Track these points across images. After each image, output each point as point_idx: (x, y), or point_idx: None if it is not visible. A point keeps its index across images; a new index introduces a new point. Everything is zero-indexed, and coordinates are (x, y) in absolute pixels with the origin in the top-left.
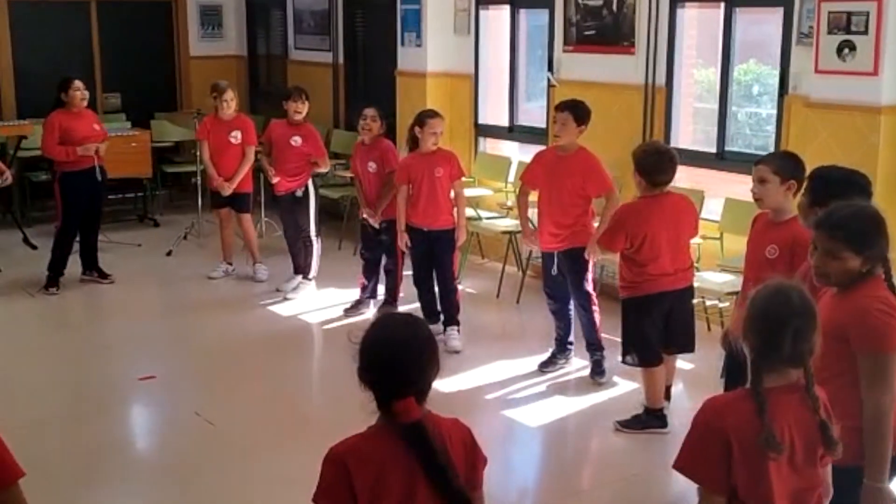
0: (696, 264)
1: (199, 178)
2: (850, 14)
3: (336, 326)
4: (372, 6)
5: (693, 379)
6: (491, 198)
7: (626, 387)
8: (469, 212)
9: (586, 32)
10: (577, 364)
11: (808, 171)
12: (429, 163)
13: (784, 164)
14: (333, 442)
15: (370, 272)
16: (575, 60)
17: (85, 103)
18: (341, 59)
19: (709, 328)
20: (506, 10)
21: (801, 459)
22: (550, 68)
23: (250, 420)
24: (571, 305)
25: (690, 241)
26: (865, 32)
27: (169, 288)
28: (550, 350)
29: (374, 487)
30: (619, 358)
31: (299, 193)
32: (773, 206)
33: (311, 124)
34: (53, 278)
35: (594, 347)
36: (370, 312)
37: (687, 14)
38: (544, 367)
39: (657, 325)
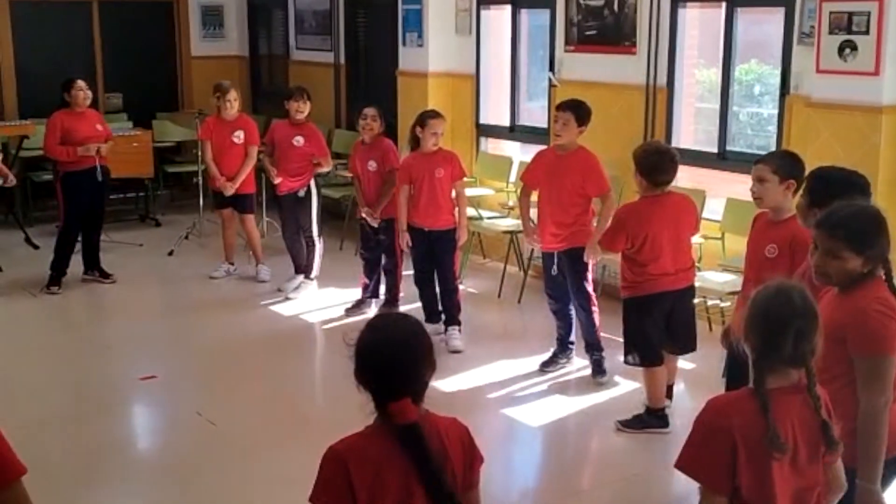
0: (697, 264)
1: (200, 177)
2: (851, 14)
3: (337, 326)
4: (373, 6)
5: (694, 379)
6: (492, 197)
7: (627, 386)
8: (470, 211)
9: (587, 32)
10: (579, 364)
11: (809, 171)
12: (430, 163)
13: (783, 163)
14: (334, 440)
15: (371, 272)
16: (576, 60)
17: (88, 103)
18: (343, 60)
19: (710, 328)
20: (507, 9)
21: (803, 460)
22: (552, 68)
23: (251, 420)
24: (572, 305)
25: (692, 240)
26: (867, 32)
27: (170, 288)
28: (552, 350)
29: (373, 486)
30: (621, 358)
31: (302, 193)
32: (772, 206)
33: (313, 124)
34: (56, 277)
35: (594, 348)
36: (372, 312)
37: (688, 14)
38: (545, 366)
39: (658, 325)
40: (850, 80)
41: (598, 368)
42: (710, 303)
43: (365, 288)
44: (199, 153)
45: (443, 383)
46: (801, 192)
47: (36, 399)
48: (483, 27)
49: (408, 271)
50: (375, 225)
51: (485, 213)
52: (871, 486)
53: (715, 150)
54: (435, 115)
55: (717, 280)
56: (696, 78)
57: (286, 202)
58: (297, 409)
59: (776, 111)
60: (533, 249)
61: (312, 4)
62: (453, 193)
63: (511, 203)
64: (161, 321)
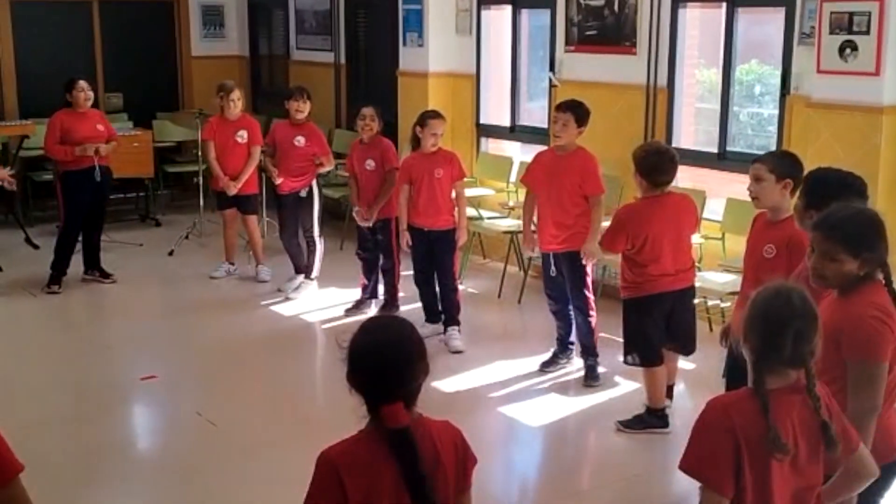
0: (697, 264)
1: (200, 177)
2: (851, 14)
3: (337, 327)
4: (373, 6)
5: (695, 379)
6: (493, 198)
7: (627, 387)
8: (471, 212)
9: (588, 32)
10: (579, 364)
11: (807, 171)
12: (429, 163)
13: (780, 162)
14: (334, 442)
15: (369, 272)
16: (576, 60)
17: (89, 104)
18: (343, 60)
19: (710, 328)
20: (507, 10)
21: (803, 459)
22: (552, 68)
23: (251, 420)
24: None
25: (692, 240)
26: (867, 32)
27: (170, 288)
28: (552, 350)
29: (365, 491)
30: (621, 358)
31: (303, 193)
32: (769, 205)
33: (314, 124)
34: (56, 277)
35: (588, 353)
36: (371, 312)
37: (689, 14)
38: (546, 366)
39: (658, 325)
40: (850, 81)
41: (591, 374)
42: (710, 303)
43: (364, 288)
44: (200, 153)
45: (443, 383)
46: (798, 193)
47: (36, 399)
48: (483, 27)
49: (408, 271)
50: (369, 226)
51: (485, 214)
52: None
53: (715, 150)
54: (435, 115)
55: (717, 280)
56: (697, 78)
57: (288, 202)
58: (297, 409)
59: (776, 111)
60: (533, 249)
61: (313, 4)
62: (453, 194)
63: (511, 203)
64: (161, 321)
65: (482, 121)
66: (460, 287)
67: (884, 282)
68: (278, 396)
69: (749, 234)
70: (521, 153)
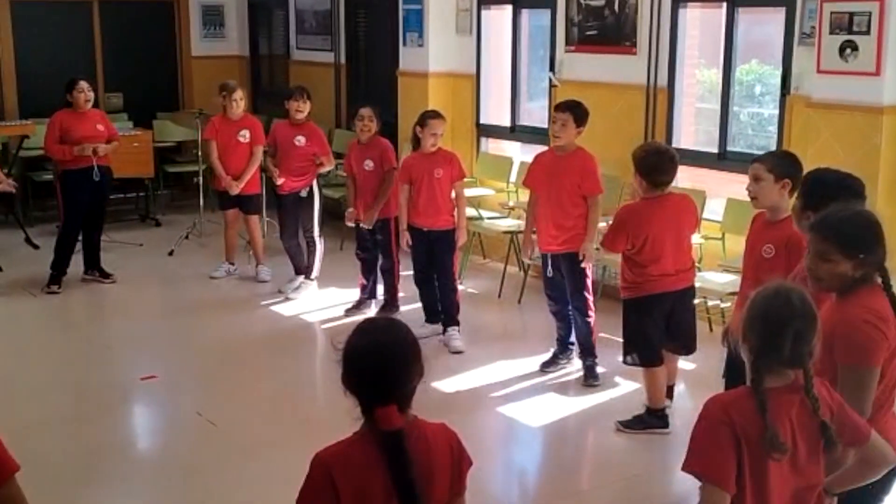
0: (697, 264)
1: (200, 177)
2: (852, 14)
3: (337, 327)
4: (374, 6)
5: (695, 379)
6: (493, 198)
7: (627, 387)
8: (471, 212)
9: (588, 32)
10: (579, 364)
11: (807, 172)
12: (429, 163)
13: (779, 162)
14: (332, 443)
15: (368, 272)
16: (577, 60)
17: (89, 105)
18: (343, 60)
19: (710, 328)
20: (508, 9)
21: (803, 459)
22: (552, 68)
23: (252, 420)
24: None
25: (692, 240)
26: (867, 32)
27: (171, 288)
28: (552, 350)
29: (357, 494)
30: (620, 358)
31: (304, 193)
32: (768, 205)
33: (314, 123)
34: (56, 277)
35: (587, 353)
36: (371, 313)
37: (689, 14)
38: (546, 367)
39: (658, 326)
40: (850, 81)
41: (590, 373)
42: (710, 303)
43: (363, 288)
44: (200, 153)
45: (443, 384)
46: (796, 194)
47: (36, 399)
48: (483, 27)
49: (407, 271)
50: (369, 227)
51: (485, 214)
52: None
53: (715, 150)
54: (435, 115)
55: (717, 280)
56: (697, 78)
57: (288, 202)
58: (297, 409)
59: (777, 111)
60: (531, 252)
61: (313, 4)
62: (453, 194)
63: (511, 203)
64: (161, 321)
65: (482, 121)
66: (460, 287)
67: (882, 286)
68: (278, 396)
69: (748, 234)
70: (521, 153)
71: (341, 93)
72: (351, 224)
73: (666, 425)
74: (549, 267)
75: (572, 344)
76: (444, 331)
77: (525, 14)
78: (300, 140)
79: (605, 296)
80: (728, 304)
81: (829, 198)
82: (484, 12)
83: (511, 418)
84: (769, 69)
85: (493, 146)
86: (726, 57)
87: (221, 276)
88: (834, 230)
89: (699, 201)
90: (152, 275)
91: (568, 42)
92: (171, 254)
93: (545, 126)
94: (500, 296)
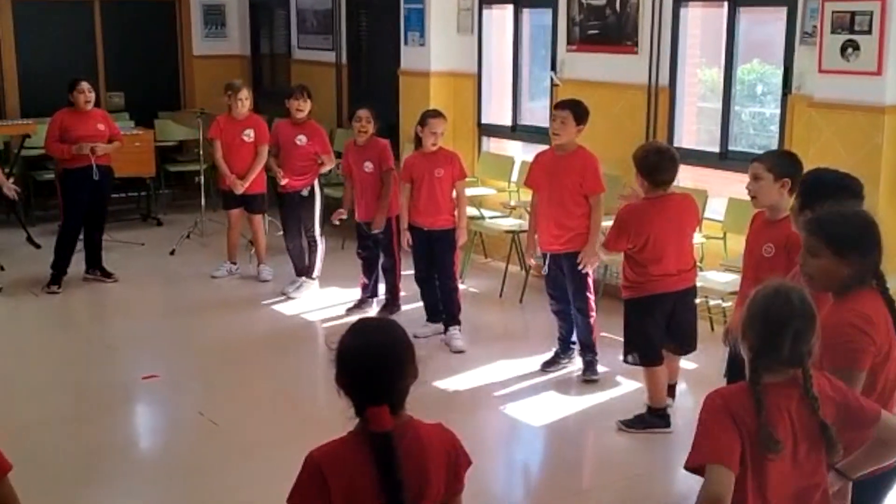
0: (699, 264)
1: (202, 177)
2: (853, 14)
3: (339, 326)
4: (375, 5)
5: (697, 378)
6: (494, 197)
7: (628, 386)
8: (472, 211)
9: (590, 32)
10: (580, 363)
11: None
12: (430, 163)
13: (779, 161)
14: (328, 441)
15: (369, 271)
16: (578, 60)
17: (90, 106)
18: (344, 59)
19: (712, 328)
20: (509, 9)
21: (803, 455)
22: (554, 68)
23: (254, 419)
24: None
25: (693, 240)
26: (869, 32)
27: (172, 287)
28: (553, 350)
29: (348, 493)
30: (621, 357)
31: (305, 192)
32: (767, 204)
33: (315, 122)
34: (56, 277)
35: (588, 349)
36: (373, 312)
37: (690, 13)
38: (547, 366)
39: (659, 326)
40: (852, 80)
41: (590, 368)
42: (711, 303)
43: (364, 288)
44: (201, 152)
45: (444, 383)
46: (795, 193)
47: (37, 399)
48: (485, 26)
49: (409, 271)
50: (379, 231)
51: (486, 213)
52: None
53: (717, 149)
54: (435, 114)
55: (718, 280)
56: (699, 77)
57: (289, 201)
58: (299, 408)
59: (778, 111)
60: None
61: (314, 4)
62: (454, 193)
63: (513, 203)
64: (163, 321)
65: (483, 120)
66: (461, 286)
67: (878, 288)
68: (280, 396)
69: (748, 233)
70: (522, 153)
71: (342, 92)
72: (337, 222)
73: (667, 425)
74: (547, 265)
75: (574, 343)
76: (446, 330)
77: (526, 13)
78: (301, 139)
79: (607, 295)
80: (729, 304)
81: (827, 197)
82: (485, 11)
83: (512, 418)
84: (771, 68)
85: (494, 146)
86: (728, 56)
87: (223, 276)
88: (824, 227)
89: (701, 201)
90: (154, 274)
91: (569, 41)
92: (172, 253)
93: (546, 125)
94: (501, 295)
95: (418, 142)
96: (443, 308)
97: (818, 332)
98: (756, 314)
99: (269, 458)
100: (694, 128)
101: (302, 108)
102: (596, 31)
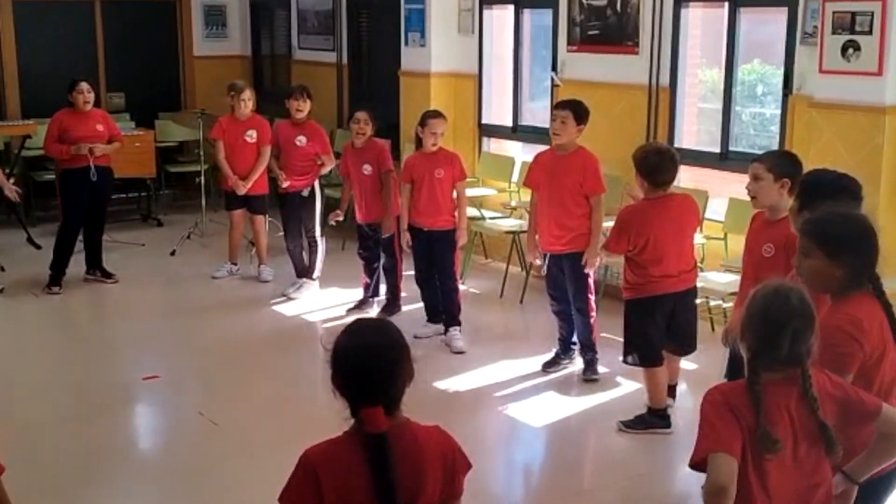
0: (699, 265)
1: (202, 177)
2: (854, 14)
3: (337, 326)
4: (376, 6)
5: (697, 379)
6: (494, 197)
7: (629, 387)
8: (473, 212)
9: (590, 32)
10: (581, 364)
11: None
12: (430, 163)
13: (779, 161)
14: (325, 440)
15: (371, 271)
16: (579, 60)
17: (89, 107)
18: (345, 59)
19: (713, 328)
20: (510, 9)
21: (804, 453)
22: (554, 68)
23: (254, 420)
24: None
25: (694, 240)
26: (870, 32)
27: (173, 288)
28: (554, 350)
29: (340, 493)
30: (620, 358)
31: (306, 193)
32: (767, 204)
33: (315, 122)
34: (55, 277)
35: (588, 349)
36: (374, 312)
37: (691, 14)
38: (548, 367)
39: (660, 326)
40: (853, 81)
41: (590, 367)
42: (712, 303)
43: (366, 287)
44: (202, 153)
45: (444, 384)
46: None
47: (38, 399)
48: (486, 27)
49: (410, 271)
50: (387, 235)
51: (487, 214)
52: None
53: (717, 150)
54: (435, 114)
55: (719, 280)
56: (699, 78)
57: (290, 202)
58: (299, 408)
59: (779, 111)
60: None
61: (315, 4)
62: (454, 194)
63: (513, 203)
64: (163, 321)
65: (484, 121)
66: (462, 287)
67: (875, 294)
68: (280, 396)
69: (747, 233)
70: (523, 153)
71: (343, 93)
72: (333, 223)
73: (668, 425)
74: (547, 265)
75: (574, 344)
76: (446, 331)
77: (527, 14)
78: (301, 140)
79: (607, 296)
80: (730, 305)
81: (825, 198)
82: (486, 12)
83: (513, 418)
84: (771, 69)
85: (495, 146)
86: (728, 57)
87: (223, 277)
88: (816, 228)
89: (701, 201)
90: (154, 275)
91: (570, 42)
92: (172, 254)
93: (547, 126)
94: (501, 296)
95: (419, 142)
96: (443, 309)
97: (817, 331)
98: (755, 314)
99: (269, 458)
100: (694, 128)
101: (301, 108)
102: (596, 32)
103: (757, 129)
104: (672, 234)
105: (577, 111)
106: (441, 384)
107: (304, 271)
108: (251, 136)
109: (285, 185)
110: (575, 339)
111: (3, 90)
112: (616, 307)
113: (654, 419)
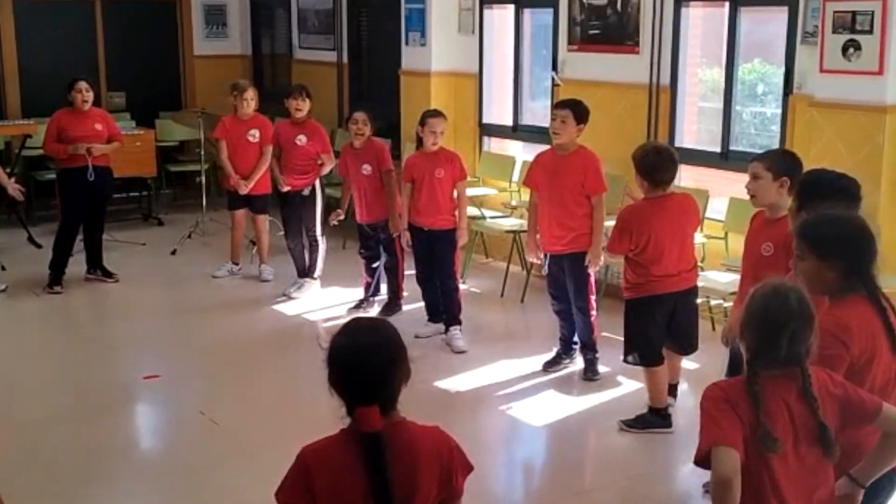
0: (700, 264)
1: (203, 177)
2: (854, 13)
3: (335, 326)
4: (376, 5)
5: (698, 378)
6: (495, 197)
7: (630, 386)
8: (473, 211)
9: (591, 32)
10: (582, 364)
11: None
12: (431, 163)
13: (778, 160)
14: (322, 437)
15: (372, 271)
16: (579, 60)
17: (87, 105)
18: (346, 59)
19: (713, 328)
20: (510, 9)
21: (804, 450)
22: (555, 67)
23: (255, 419)
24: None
25: (694, 240)
26: (870, 32)
27: (173, 287)
28: (555, 350)
29: (333, 491)
30: (621, 357)
31: (306, 192)
32: (766, 203)
33: (315, 121)
34: (55, 277)
35: (588, 348)
36: (374, 311)
37: (692, 13)
38: (549, 366)
39: (660, 326)
40: (853, 80)
41: (591, 367)
42: (713, 302)
43: (367, 287)
44: (202, 152)
45: (445, 383)
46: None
47: (39, 399)
48: (486, 26)
49: (410, 270)
50: (396, 234)
51: (487, 213)
52: None
53: (718, 149)
54: (435, 114)
55: (720, 280)
56: (700, 77)
57: (290, 201)
58: (300, 408)
59: (779, 111)
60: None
61: (315, 3)
62: (455, 193)
63: (514, 203)
64: (164, 320)
65: (485, 120)
66: (462, 286)
67: (868, 294)
68: (281, 396)
69: (747, 232)
70: (523, 153)
71: (344, 92)
72: (335, 223)
73: (668, 425)
74: (548, 265)
75: (575, 343)
76: (447, 330)
77: (527, 13)
78: (301, 139)
79: (608, 295)
80: (731, 304)
81: (824, 198)
82: (486, 11)
83: (514, 418)
84: (772, 68)
85: (495, 145)
86: (729, 56)
87: (224, 276)
88: (810, 230)
89: (702, 201)
90: (155, 274)
91: (570, 41)
92: (173, 253)
93: (547, 125)
94: (502, 295)
95: (419, 142)
96: (443, 308)
97: (816, 331)
98: (754, 314)
99: (269, 457)
100: (695, 127)
101: (301, 107)
102: (597, 31)
103: (757, 129)
104: (672, 234)
105: (577, 110)
106: (442, 384)
107: (304, 271)
108: (254, 135)
109: (285, 189)
110: (576, 338)
111: (3, 89)
112: (617, 307)
113: (655, 419)
